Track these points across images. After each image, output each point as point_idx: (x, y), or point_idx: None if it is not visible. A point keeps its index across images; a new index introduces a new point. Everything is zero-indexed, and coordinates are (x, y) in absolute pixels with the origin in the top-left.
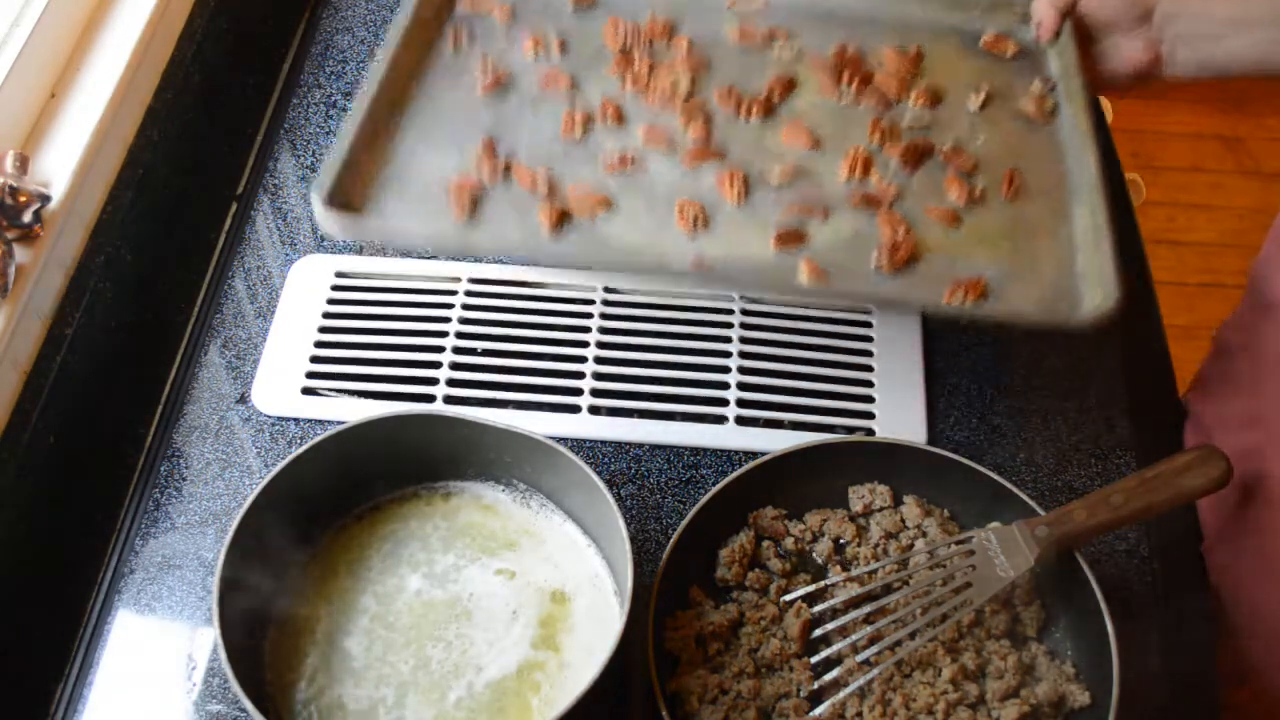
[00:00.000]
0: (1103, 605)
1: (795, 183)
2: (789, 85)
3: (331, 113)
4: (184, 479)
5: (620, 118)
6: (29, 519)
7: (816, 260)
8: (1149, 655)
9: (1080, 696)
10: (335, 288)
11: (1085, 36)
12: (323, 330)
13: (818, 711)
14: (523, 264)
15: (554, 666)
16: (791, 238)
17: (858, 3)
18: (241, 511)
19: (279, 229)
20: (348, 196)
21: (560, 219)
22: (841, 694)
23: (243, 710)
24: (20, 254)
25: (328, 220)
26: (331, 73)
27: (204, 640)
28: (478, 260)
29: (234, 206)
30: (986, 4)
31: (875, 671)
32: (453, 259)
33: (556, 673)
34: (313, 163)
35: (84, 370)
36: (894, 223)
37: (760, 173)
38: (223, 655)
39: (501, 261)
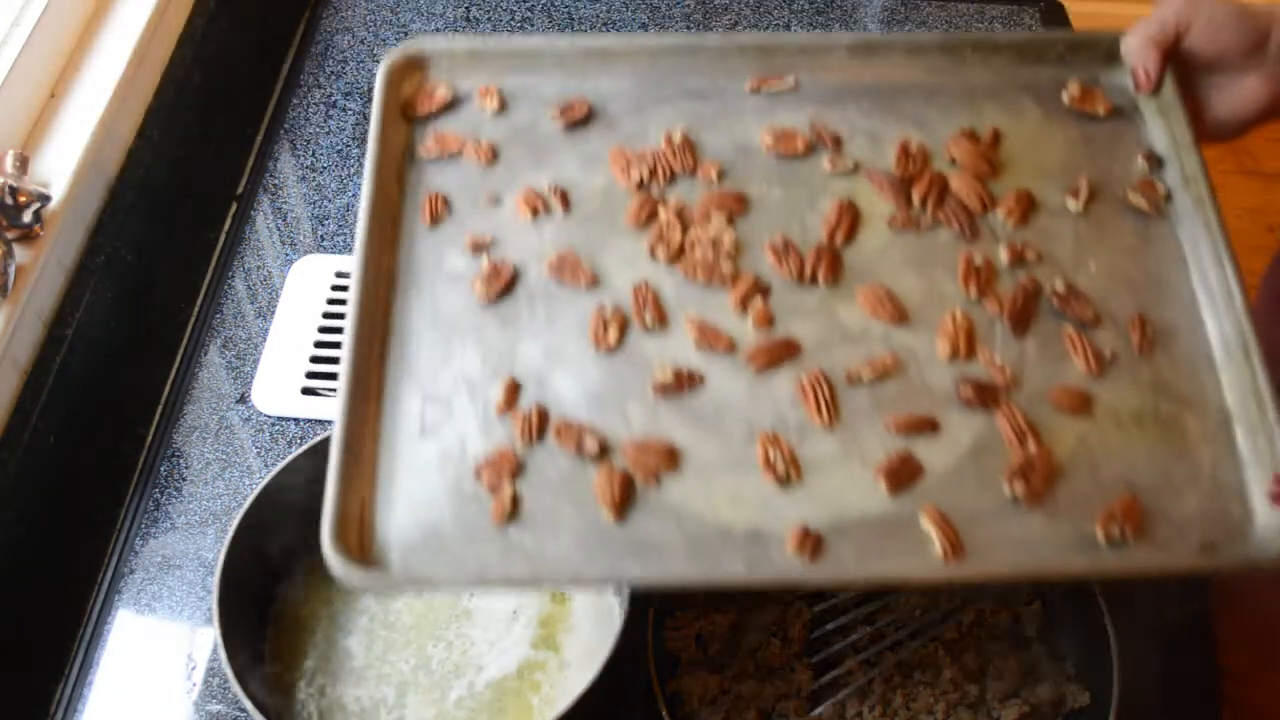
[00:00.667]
0: (1103, 605)
1: (889, 377)
2: (851, 220)
3: (331, 113)
4: (184, 479)
5: (661, 314)
6: (29, 519)
7: (941, 507)
8: (1149, 655)
9: (1080, 696)
10: (335, 288)
11: (1187, 80)
12: (323, 330)
13: (818, 711)
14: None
15: (554, 666)
16: (904, 474)
17: (907, 72)
18: (241, 511)
19: (279, 229)
20: (362, 510)
21: (624, 495)
22: (841, 694)
23: (243, 710)
24: (20, 254)
25: (344, 571)
26: (331, 73)
27: (204, 640)
28: None
29: (234, 206)
30: (1063, 46)
31: (875, 671)
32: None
33: (556, 673)
34: (313, 163)
35: (84, 370)
36: (1018, 428)
37: (845, 369)
38: (223, 655)
39: None
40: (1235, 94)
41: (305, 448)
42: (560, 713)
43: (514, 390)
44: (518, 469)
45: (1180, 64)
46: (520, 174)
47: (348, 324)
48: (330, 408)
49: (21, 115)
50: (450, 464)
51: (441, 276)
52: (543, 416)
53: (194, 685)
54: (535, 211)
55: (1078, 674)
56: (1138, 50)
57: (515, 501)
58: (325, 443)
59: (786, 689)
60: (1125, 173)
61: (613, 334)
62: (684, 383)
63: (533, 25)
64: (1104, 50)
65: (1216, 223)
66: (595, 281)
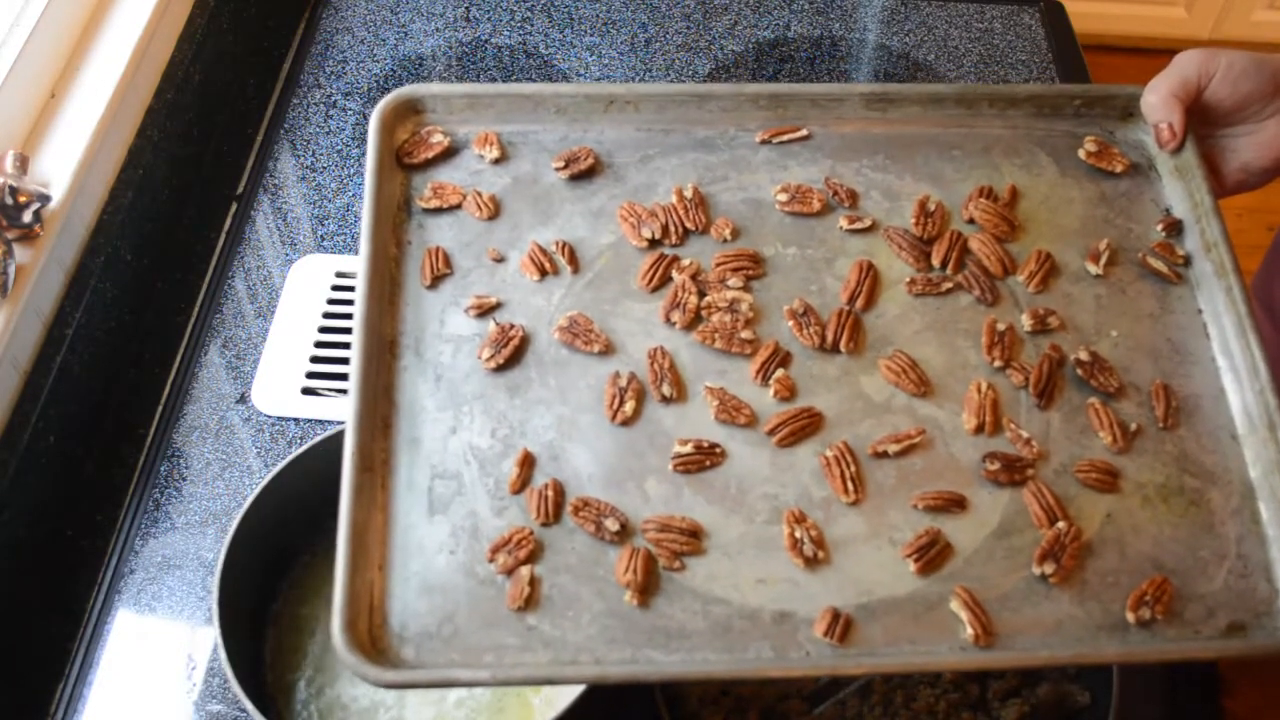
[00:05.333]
0: None
1: (915, 451)
2: (871, 282)
3: (331, 113)
4: (184, 479)
5: (679, 385)
6: (29, 519)
7: (971, 588)
8: None
9: (1080, 697)
10: (335, 287)
11: (1209, 131)
12: (323, 330)
13: (818, 711)
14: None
15: None
16: (933, 555)
17: (922, 124)
18: (241, 511)
19: (279, 229)
20: (373, 595)
21: (647, 578)
22: (841, 694)
23: (243, 710)
24: (20, 254)
25: (358, 666)
26: (331, 73)
27: (204, 640)
28: None
29: (234, 206)
30: (1080, 100)
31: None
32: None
33: None
34: (313, 163)
35: (84, 370)
36: (1047, 507)
37: (870, 443)
38: (223, 655)
39: None
40: (1259, 141)
41: (305, 447)
42: (560, 713)
43: (527, 465)
44: (534, 552)
45: (1202, 115)
46: (524, 230)
47: (350, 395)
48: (330, 408)
49: (21, 115)
50: (462, 545)
51: (444, 339)
52: (559, 494)
53: (194, 685)
54: (543, 272)
55: (1078, 674)
56: (1160, 106)
57: (533, 585)
58: (326, 441)
59: (787, 689)
60: (1143, 234)
61: (629, 406)
62: (705, 457)
63: (532, 25)
64: (1121, 105)
65: (1240, 291)
66: (609, 348)
